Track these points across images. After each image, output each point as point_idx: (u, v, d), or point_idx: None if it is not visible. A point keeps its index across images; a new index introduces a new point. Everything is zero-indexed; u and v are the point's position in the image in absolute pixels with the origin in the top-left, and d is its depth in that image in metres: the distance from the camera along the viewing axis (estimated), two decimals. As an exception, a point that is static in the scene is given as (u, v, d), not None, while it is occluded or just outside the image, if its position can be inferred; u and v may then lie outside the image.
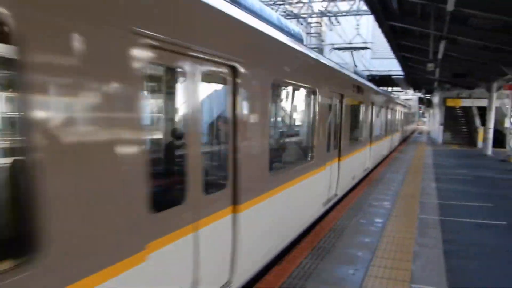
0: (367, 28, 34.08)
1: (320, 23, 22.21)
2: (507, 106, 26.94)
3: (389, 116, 18.99)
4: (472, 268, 5.70)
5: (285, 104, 6.32)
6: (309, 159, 6.67)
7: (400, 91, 50.22)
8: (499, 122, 27.52)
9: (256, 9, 5.10)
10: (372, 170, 14.61)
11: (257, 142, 4.52)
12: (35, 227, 2.05)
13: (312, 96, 6.68)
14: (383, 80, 32.88)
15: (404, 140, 33.30)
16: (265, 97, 4.64)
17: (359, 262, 5.59)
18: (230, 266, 4.07)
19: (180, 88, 3.34)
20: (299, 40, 6.53)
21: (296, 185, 5.86)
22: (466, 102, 29.81)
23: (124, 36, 2.54)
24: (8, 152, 3.28)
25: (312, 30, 21.81)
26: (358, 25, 23.19)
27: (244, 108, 4.11)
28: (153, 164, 2.89)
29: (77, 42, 2.22)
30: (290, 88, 6.12)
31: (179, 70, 3.26)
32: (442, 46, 12.69)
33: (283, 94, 6.09)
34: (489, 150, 22.86)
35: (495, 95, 23.32)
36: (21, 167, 2.07)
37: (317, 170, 6.94)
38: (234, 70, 3.92)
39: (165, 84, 3.54)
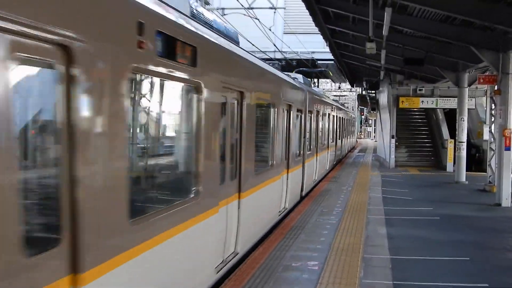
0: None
1: (202, -26, 22.75)
2: (485, 108, 29.54)
3: (314, 125, 19.89)
4: None
5: (151, 107, 6.42)
6: (191, 196, 6.77)
7: (340, 95, 52.70)
8: (476, 132, 30.03)
9: None
10: (293, 209, 15.26)
11: (107, 169, 4.59)
12: None
13: (195, 96, 6.85)
14: (304, 67, 34.39)
15: (339, 161, 35.07)
16: (118, 93, 4.74)
17: None
18: None
19: None
20: None
21: (170, 239, 5.90)
22: (427, 102, 32.06)
23: None
24: None
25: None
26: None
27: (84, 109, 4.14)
28: None
29: None
30: (159, 81, 6.22)
31: None
32: (387, 15, 13.67)
33: (148, 90, 6.20)
34: (463, 175, 24.93)
35: (467, 91, 25.44)
36: None
37: (203, 215, 7.05)
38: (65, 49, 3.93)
39: None
